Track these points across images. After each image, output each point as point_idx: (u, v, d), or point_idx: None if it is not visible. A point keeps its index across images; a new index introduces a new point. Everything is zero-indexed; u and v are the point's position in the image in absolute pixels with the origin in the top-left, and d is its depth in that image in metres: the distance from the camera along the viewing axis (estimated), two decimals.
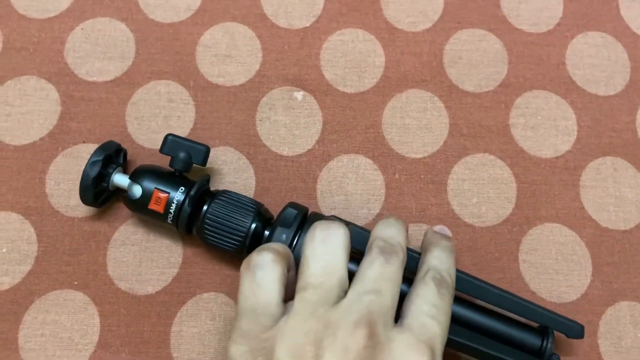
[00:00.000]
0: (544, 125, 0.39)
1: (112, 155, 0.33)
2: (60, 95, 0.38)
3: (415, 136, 0.38)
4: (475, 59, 0.40)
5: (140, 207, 0.32)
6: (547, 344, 0.30)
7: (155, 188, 0.31)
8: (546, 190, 0.37)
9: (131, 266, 0.34)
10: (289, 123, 0.38)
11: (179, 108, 0.38)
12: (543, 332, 0.31)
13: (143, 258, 0.35)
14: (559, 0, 0.42)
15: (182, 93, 0.38)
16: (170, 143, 0.33)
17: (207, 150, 0.33)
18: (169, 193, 0.31)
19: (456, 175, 0.38)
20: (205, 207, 0.31)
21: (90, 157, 0.32)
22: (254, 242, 0.31)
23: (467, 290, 0.31)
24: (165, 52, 0.39)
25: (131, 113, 0.37)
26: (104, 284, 0.34)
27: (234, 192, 0.32)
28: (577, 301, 0.35)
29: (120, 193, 0.34)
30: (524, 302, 0.31)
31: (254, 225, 0.31)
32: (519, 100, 0.39)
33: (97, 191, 0.32)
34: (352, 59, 0.40)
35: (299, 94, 0.39)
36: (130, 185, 0.32)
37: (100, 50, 0.39)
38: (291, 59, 0.39)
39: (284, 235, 0.30)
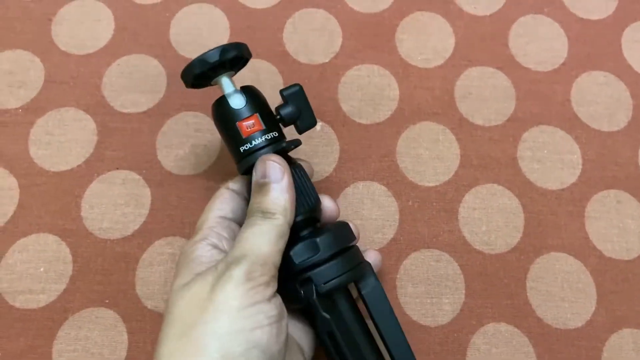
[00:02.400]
0: (550, 159, 0.41)
1: (239, 58, 0.31)
2: (97, 125, 0.40)
3: (428, 166, 0.40)
4: (485, 94, 0.42)
5: (227, 117, 0.30)
6: None
7: (258, 112, 0.30)
8: (552, 220, 0.39)
9: (157, 285, 0.36)
10: (309, 151, 0.40)
11: (206, 137, 0.40)
12: None
13: (168, 277, 0.36)
14: (564, 41, 0.44)
15: (210, 124, 0.40)
16: (296, 92, 0.32)
17: (313, 124, 0.32)
18: (264, 127, 0.30)
19: (467, 204, 0.39)
20: None
21: (225, 45, 0.30)
22: (294, 235, 0.29)
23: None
24: None
25: (161, 141, 0.40)
26: (133, 302, 0.36)
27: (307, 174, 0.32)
28: (581, 328, 0.36)
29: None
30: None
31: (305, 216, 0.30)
32: (526, 135, 0.41)
33: (199, 73, 0.30)
34: (368, 92, 0.42)
35: (318, 125, 0.41)
36: (234, 93, 0.30)
37: (134, 84, 0.41)
38: (311, 92, 0.40)
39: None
